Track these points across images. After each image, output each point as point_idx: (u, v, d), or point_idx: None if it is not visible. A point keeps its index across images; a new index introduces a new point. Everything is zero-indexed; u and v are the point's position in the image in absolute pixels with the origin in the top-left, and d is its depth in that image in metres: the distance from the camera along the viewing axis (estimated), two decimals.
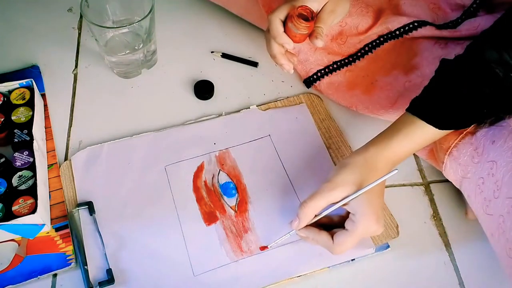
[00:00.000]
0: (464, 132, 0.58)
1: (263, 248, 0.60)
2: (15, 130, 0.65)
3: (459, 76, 0.54)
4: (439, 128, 0.54)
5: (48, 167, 0.66)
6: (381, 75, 0.72)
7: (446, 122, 0.54)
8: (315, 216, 0.57)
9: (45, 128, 0.70)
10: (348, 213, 0.55)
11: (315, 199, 0.55)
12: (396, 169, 0.54)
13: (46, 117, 0.71)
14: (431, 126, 0.54)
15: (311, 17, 0.59)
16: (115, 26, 0.73)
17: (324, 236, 0.56)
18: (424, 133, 0.55)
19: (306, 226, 0.57)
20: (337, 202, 0.55)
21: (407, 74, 0.70)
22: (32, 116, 0.66)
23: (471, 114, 0.54)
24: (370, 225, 0.54)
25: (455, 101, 0.54)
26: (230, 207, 0.64)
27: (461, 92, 0.53)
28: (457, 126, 0.55)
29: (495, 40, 0.52)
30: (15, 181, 0.61)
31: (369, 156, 0.56)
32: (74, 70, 0.78)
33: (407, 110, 0.57)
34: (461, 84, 0.53)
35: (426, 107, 0.55)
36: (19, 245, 0.60)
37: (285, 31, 0.60)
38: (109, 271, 0.58)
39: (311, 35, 0.60)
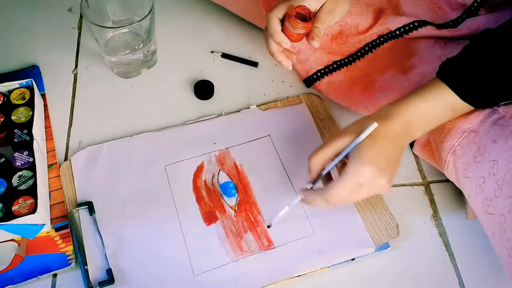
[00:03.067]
0: (468, 130, 0.58)
1: (267, 226, 0.61)
2: (15, 130, 0.65)
3: (500, 46, 0.51)
4: (462, 98, 0.52)
5: (48, 167, 0.66)
6: (380, 75, 0.72)
7: (470, 92, 0.52)
8: (323, 170, 0.57)
9: (45, 128, 0.70)
10: None
11: (322, 149, 0.56)
12: (376, 123, 0.52)
13: (46, 117, 0.71)
14: (452, 93, 0.52)
15: (308, 17, 0.59)
16: (115, 26, 0.73)
17: (322, 192, 0.55)
18: (442, 98, 0.53)
19: (310, 190, 0.57)
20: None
21: (407, 74, 0.70)
22: (32, 116, 0.66)
23: (499, 91, 0.52)
24: (363, 170, 0.51)
25: (489, 71, 0.51)
26: (230, 207, 0.64)
27: (498, 63, 0.50)
28: (481, 102, 0.53)
29: None
30: (15, 181, 0.61)
31: (382, 109, 0.56)
32: (74, 70, 0.78)
33: (437, 74, 0.55)
34: (499, 56, 0.51)
35: (454, 72, 0.53)
36: (19, 245, 0.60)
37: (282, 30, 0.61)
38: (109, 271, 0.58)
39: (308, 35, 0.61)
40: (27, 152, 0.63)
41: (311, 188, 0.58)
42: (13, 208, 0.58)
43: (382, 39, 0.74)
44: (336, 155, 0.55)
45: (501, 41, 0.52)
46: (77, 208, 0.63)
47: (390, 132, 0.53)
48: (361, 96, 0.71)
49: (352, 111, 0.72)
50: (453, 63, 0.54)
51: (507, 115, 0.56)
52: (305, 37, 0.62)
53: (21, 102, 0.68)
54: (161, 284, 0.58)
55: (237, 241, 0.61)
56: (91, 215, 0.62)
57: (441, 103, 0.54)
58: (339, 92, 0.73)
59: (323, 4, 0.61)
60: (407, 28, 0.71)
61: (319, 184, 0.58)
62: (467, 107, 0.55)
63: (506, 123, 0.55)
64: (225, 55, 0.80)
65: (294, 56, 0.66)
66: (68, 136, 0.70)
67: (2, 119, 0.67)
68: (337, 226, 0.62)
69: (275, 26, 0.61)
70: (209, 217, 0.63)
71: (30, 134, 0.65)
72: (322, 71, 0.74)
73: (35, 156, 0.62)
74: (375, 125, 0.52)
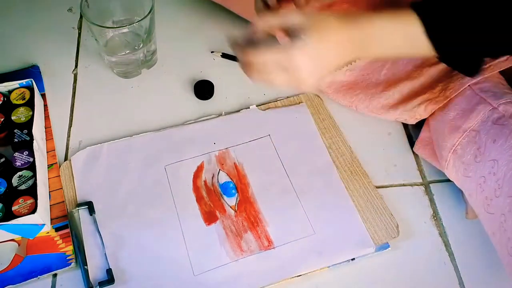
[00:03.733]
0: (469, 130, 0.58)
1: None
2: (15, 130, 0.65)
3: None
4: (427, 28, 0.47)
5: (48, 167, 0.66)
6: (381, 75, 0.72)
7: (437, 28, 0.48)
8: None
9: (45, 128, 0.70)
10: None
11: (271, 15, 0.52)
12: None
13: (46, 117, 0.71)
14: (418, 26, 0.48)
15: None
16: (115, 26, 0.73)
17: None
18: (405, 24, 0.49)
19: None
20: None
21: (407, 74, 0.70)
22: (32, 116, 0.66)
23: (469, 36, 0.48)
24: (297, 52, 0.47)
25: (462, 13, 0.47)
26: (230, 207, 0.64)
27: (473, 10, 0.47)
28: (443, 41, 0.48)
29: None
30: (15, 181, 0.61)
31: (347, 16, 0.50)
32: (74, 70, 0.78)
33: (410, 3, 0.50)
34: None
35: (427, 3, 0.48)
36: (19, 245, 0.60)
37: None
38: (109, 271, 0.58)
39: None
40: (27, 152, 0.63)
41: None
42: (13, 208, 0.58)
43: None
44: (282, 26, 0.51)
45: None
46: (77, 208, 0.63)
47: (343, 33, 0.49)
48: (362, 95, 0.71)
49: (352, 111, 0.72)
50: None
51: (507, 114, 0.56)
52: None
53: (21, 102, 0.68)
54: (161, 284, 0.58)
55: (237, 241, 0.61)
56: (91, 215, 0.62)
57: (402, 29, 0.49)
58: (339, 92, 0.73)
59: None
60: None
61: None
62: (423, 45, 0.49)
63: (506, 123, 0.55)
64: (225, 55, 0.80)
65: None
66: (68, 136, 0.70)
67: (2, 119, 0.67)
68: (337, 226, 0.62)
69: None
70: (209, 217, 0.63)
71: (30, 134, 0.65)
72: None
73: (35, 156, 0.62)
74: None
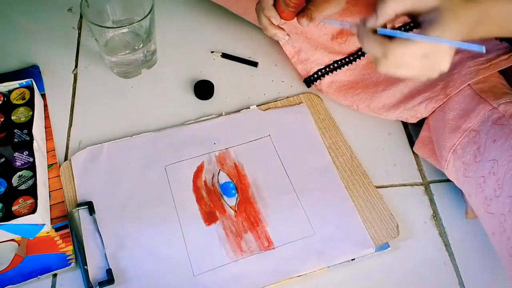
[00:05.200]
0: (469, 130, 0.58)
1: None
2: (15, 130, 0.65)
3: None
4: None
5: (48, 167, 0.66)
6: (381, 74, 0.72)
7: None
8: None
9: (45, 128, 0.70)
10: None
11: None
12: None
13: (46, 117, 0.71)
14: None
15: None
16: (115, 26, 0.73)
17: (386, 42, 0.47)
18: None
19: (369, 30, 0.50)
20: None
21: None
22: (32, 116, 0.66)
23: None
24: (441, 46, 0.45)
25: None
26: (230, 207, 0.64)
27: None
28: None
29: None
30: (15, 181, 0.61)
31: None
32: (74, 70, 0.78)
33: None
34: None
35: None
36: (19, 245, 0.60)
37: (275, 6, 0.60)
38: (109, 271, 0.58)
39: (299, 14, 0.60)
40: (27, 152, 0.63)
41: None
42: (13, 208, 0.58)
43: None
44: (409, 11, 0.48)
45: None
46: (77, 208, 0.63)
47: (465, 15, 0.46)
48: (362, 95, 0.71)
49: (353, 111, 0.72)
50: None
51: (507, 114, 0.56)
52: (295, 17, 0.60)
53: (21, 102, 0.68)
54: (161, 284, 0.58)
55: (237, 241, 0.61)
56: (91, 215, 0.62)
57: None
58: (340, 91, 0.73)
59: None
60: (408, 27, 0.71)
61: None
62: None
63: (506, 123, 0.55)
64: (225, 55, 0.80)
65: (288, 36, 0.64)
66: (68, 136, 0.70)
67: (2, 119, 0.67)
68: (337, 226, 0.62)
69: (268, 0, 0.60)
70: (209, 217, 0.63)
71: (30, 134, 0.65)
72: (323, 71, 0.74)
73: (35, 156, 0.62)
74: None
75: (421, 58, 0.46)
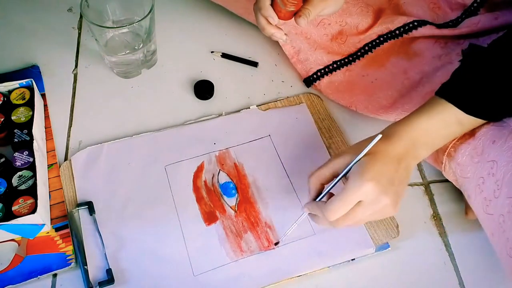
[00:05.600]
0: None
1: (275, 243, 0.61)
2: (15, 130, 0.65)
3: (495, 60, 0.52)
4: (465, 111, 0.52)
5: (48, 167, 0.66)
6: (380, 75, 0.72)
7: (473, 105, 0.52)
8: (324, 189, 0.56)
9: (45, 128, 0.70)
10: None
11: (321, 168, 0.55)
12: (381, 135, 0.52)
13: (46, 117, 0.71)
14: (456, 109, 0.52)
15: None
16: (115, 26, 0.73)
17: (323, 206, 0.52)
18: (447, 115, 0.53)
19: (313, 202, 0.55)
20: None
21: (407, 73, 0.70)
22: (32, 116, 0.66)
23: (502, 102, 0.52)
24: (363, 186, 0.49)
25: (486, 84, 0.51)
26: (230, 207, 0.64)
27: (494, 76, 0.51)
28: (485, 113, 0.53)
29: None
30: (15, 181, 0.61)
31: (384, 130, 0.55)
32: (74, 70, 0.78)
33: (436, 93, 0.54)
34: (496, 69, 0.51)
35: (453, 88, 0.53)
36: (19, 245, 0.60)
37: (272, 5, 0.60)
38: (109, 271, 0.58)
39: (296, 13, 0.60)
40: (27, 152, 0.63)
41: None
42: (13, 208, 0.58)
43: (382, 39, 0.74)
44: (336, 175, 0.54)
45: (495, 56, 0.53)
46: (77, 208, 0.63)
47: (392, 151, 0.52)
48: (361, 96, 0.71)
49: (352, 111, 0.72)
50: (451, 81, 0.54)
51: None
52: (293, 17, 0.61)
53: (21, 102, 0.68)
54: (161, 284, 0.58)
55: (237, 241, 0.61)
56: (91, 215, 0.62)
57: (446, 119, 0.53)
58: (339, 92, 0.73)
59: None
60: (407, 27, 0.71)
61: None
62: (474, 120, 0.54)
63: (505, 124, 0.55)
64: (225, 55, 0.80)
65: (285, 36, 0.65)
66: (68, 136, 0.70)
67: (2, 119, 0.67)
68: None
69: (265, 0, 0.61)
70: (209, 217, 0.63)
71: (30, 134, 0.65)
72: (322, 71, 0.74)
73: (35, 156, 0.62)
74: (379, 137, 0.51)
75: (359, 207, 0.51)
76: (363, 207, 0.51)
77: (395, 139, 0.53)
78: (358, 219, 0.52)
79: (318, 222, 0.56)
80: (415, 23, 0.71)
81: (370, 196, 0.50)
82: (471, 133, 0.57)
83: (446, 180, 0.64)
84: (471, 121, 0.54)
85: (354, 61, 0.74)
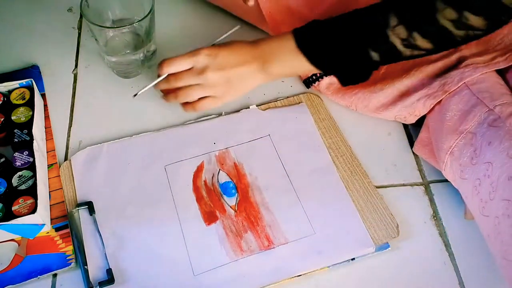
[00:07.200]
0: (465, 132, 0.58)
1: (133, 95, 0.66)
2: (15, 130, 0.65)
3: (356, 27, 0.58)
4: (299, 46, 0.61)
5: (48, 167, 0.66)
6: (379, 74, 0.72)
7: (308, 44, 0.61)
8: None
9: (45, 128, 0.70)
10: None
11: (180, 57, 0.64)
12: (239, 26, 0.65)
13: (46, 117, 0.71)
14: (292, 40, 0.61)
15: None
16: (115, 26, 0.73)
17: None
18: (290, 42, 0.62)
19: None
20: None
21: (406, 71, 0.70)
22: (32, 116, 0.66)
23: (334, 54, 0.60)
24: (199, 53, 0.62)
25: (338, 42, 0.59)
26: (230, 207, 0.64)
27: (349, 42, 0.59)
28: (317, 56, 0.61)
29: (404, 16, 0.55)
30: (15, 181, 0.61)
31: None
32: (74, 70, 0.78)
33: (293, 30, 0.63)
34: (354, 37, 0.59)
35: (302, 30, 0.62)
36: (19, 245, 0.60)
37: None
38: (109, 271, 0.58)
39: None
40: (27, 152, 0.63)
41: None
42: (13, 208, 0.58)
43: None
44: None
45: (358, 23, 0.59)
46: (77, 208, 0.63)
47: (250, 52, 0.63)
48: (360, 95, 0.71)
49: (352, 111, 0.72)
50: (309, 25, 0.62)
51: (502, 116, 0.56)
52: None
53: (21, 102, 0.68)
54: (161, 284, 0.58)
55: (237, 241, 0.61)
56: (91, 215, 0.62)
57: (288, 46, 0.62)
58: (338, 92, 0.73)
59: None
60: None
61: None
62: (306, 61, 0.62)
63: (501, 124, 0.55)
64: None
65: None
66: (68, 136, 0.71)
67: (2, 119, 0.67)
68: (337, 226, 0.62)
69: None
70: (209, 217, 0.63)
71: (30, 134, 0.65)
72: (322, 72, 0.74)
73: (35, 156, 0.62)
74: (237, 27, 0.63)
75: (188, 72, 0.64)
76: (191, 72, 0.62)
77: (255, 46, 0.64)
78: (189, 91, 0.64)
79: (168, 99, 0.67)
80: None
81: (200, 64, 0.62)
82: (473, 133, 0.57)
83: (446, 180, 0.64)
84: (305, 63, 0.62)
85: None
